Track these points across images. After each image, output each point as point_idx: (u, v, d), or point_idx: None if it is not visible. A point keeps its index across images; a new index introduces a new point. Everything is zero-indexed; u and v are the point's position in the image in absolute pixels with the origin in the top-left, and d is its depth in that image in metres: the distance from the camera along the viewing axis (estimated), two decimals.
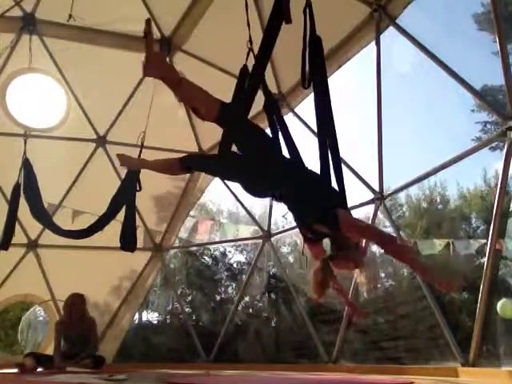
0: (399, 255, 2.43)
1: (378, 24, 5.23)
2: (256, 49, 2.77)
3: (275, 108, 3.08)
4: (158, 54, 2.94)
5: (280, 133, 2.89)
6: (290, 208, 2.71)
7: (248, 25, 2.97)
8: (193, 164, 2.94)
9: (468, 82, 4.66)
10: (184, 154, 2.96)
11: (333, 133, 2.85)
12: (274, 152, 2.71)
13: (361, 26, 5.39)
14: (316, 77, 2.82)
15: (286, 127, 2.95)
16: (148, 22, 2.61)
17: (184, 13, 5.91)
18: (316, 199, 2.53)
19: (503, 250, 7.26)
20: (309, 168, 2.74)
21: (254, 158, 2.64)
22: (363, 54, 5.71)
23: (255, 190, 2.76)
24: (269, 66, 5.94)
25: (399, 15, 5.11)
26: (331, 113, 2.83)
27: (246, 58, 2.96)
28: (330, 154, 2.79)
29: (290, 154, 2.79)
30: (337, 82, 6.39)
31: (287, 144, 2.84)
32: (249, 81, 2.67)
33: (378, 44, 5.34)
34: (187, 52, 6.37)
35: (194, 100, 2.74)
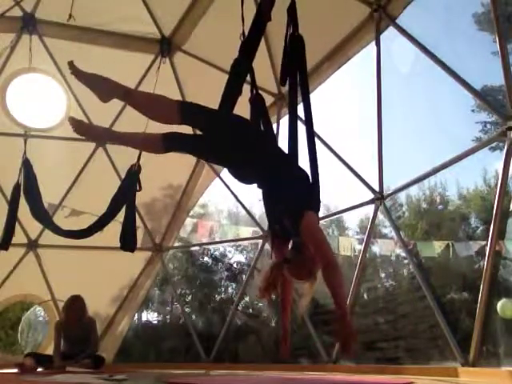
0: (332, 285, 2.27)
1: (378, 24, 5.23)
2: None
3: (261, 103, 3.06)
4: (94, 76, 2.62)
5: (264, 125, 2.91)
6: (266, 195, 2.67)
7: (242, 19, 2.97)
8: (176, 144, 2.57)
9: (468, 82, 4.65)
10: (167, 131, 2.57)
11: (310, 134, 2.85)
12: (257, 140, 2.65)
13: (361, 26, 5.39)
14: (293, 75, 2.86)
15: (270, 122, 3.00)
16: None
17: (184, 13, 5.91)
18: (296, 191, 2.49)
19: (503, 250, 7.26)
20: (293, 160, 2.74)
21: (233, 146, 2.53)
22: (363, 54, 5.73)
23: (240, 176, 2.69)
24: (268, 66, 5.97)
25: (399, 15, 5.11)
26: (310, 112, 2.86)
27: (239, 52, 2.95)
28: (308, 156, 2.79)
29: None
30: (337, 81, 6.40)
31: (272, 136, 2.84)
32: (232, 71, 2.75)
33: (377, 44, 5.34)
34: (187, 52, 6.36)
35: (151, 108, 2.54)
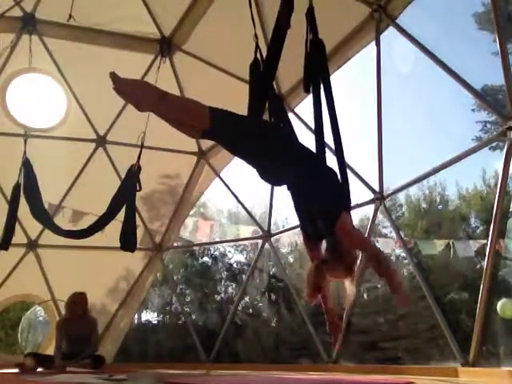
0: (387, 277, 2.35)
1: (378, 24, 5.23)
2: (261, 44, 2.85)
3: (280, 106, 3.08)
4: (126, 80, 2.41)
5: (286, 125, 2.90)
6: (296, 197, 2.62)
7: (252, 19, 2.99)
8: (221, 121, 2.36)
9: (468, 82, 4.65)
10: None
11: (337, 136, 2.85)
12: (288, 143, 2.61)
13: (361, 26, 5.39)
14: (316, 80, 2.83)
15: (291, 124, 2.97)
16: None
17: (184, 13, 5.91)
18: (329, 193, 2.48)
19: (503, 250, 7.27)
20: (326, 163, 2.71)
21: (269, 153, 2.50)
22: (363, 54, 5.72)
23: (269, 177, 2.65)
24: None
25: (399, 15, 5.11)
26: (335, 115, 2.83)
27: (255, 53, 2.97)
28: (336, 157, 2.80)
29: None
30: (337, 82, 6.40)
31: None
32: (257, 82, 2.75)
33: (377, 44, 5.34)
34: (187, 52, 6.36)
35: (184, 111, 2.42)
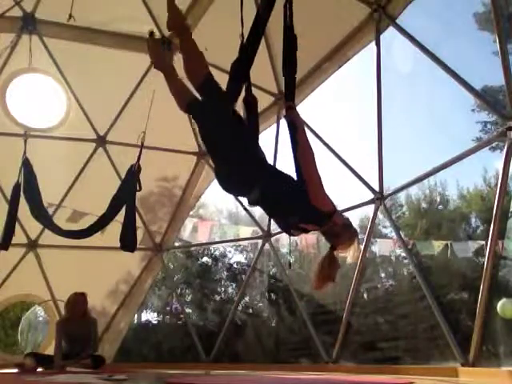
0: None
1: (378, 24, 5.23)
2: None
3: (254, 104, 3.01)
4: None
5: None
6: (268, 211, 2.65)
7: (241, 21, 3.00)
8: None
9: (468, 82, 4.66)
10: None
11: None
12: (250, 147, 2.60)
13: (361, 26, 5.39)
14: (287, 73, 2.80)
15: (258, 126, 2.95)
16: None
17: (184, 13, 5.90)
18: (292, 199, 2.45)
19: (502, 250, 7.26)
20: (277, 168, 2.67)
21: (229, 148, 2.54)
22: (363, 54, 5.72)
23: (229, 184, 2.62)
24: (268, 66, 5.98)
25: (399, 15, 5.11)
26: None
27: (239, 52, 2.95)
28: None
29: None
30: (337, 82, 6.40)
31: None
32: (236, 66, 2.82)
33: (377, 44, 5.35)
34: None
35: (192, 57, 2.84)
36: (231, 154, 2.54)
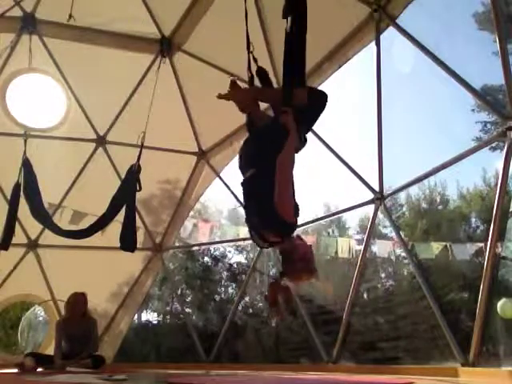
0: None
1: (378, 24, 5.23)
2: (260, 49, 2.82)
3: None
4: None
5: None
6: (244, 209, 2.70)
7: (247, 32, 2.98)
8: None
9: (468, 82, 4.66)
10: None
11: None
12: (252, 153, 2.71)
13: (361, 26, 5.39)
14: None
15: None
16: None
17: (184, 12, 5.91)
18: (259, 194, 2.49)
19: (502, 251, 7.26)
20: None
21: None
22: (363, 54, 5.72)
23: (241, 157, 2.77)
24: (269, 66, 5.96)
25: (399, 15, 5.11)
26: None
27: (248, 64, 2.95)
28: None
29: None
30: (337, 82, 6.40)
31: None
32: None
33: (377, 44, 5.34)
34: (187, 52, 6.36)
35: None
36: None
